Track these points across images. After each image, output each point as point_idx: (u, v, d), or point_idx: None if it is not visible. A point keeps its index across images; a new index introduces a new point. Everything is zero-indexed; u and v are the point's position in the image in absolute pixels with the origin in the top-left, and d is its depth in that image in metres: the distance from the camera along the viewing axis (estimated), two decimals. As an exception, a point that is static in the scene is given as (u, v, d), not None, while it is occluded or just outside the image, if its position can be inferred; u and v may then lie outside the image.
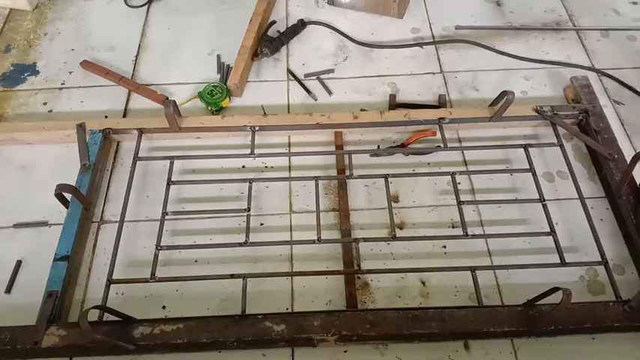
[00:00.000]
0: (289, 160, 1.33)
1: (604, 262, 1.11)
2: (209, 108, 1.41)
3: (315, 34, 1.63)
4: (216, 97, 1.41)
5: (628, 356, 1.04)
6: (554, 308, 0.94)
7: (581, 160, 1.33)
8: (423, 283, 1.14)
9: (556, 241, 1.13)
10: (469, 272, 1.10)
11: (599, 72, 1.51)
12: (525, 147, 1.28)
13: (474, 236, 1.16)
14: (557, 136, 1.29)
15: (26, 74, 1.53)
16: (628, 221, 1.16)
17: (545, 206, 1.18)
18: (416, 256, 1.17)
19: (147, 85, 1.49)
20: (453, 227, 1.21)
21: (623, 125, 1.39)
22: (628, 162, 1.17)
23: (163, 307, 1.11)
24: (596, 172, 1.29)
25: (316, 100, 1.46)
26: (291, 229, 1.22)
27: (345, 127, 1.34)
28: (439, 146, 1.31)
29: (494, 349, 1.05)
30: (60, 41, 1.62)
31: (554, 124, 1.31)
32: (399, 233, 1.18)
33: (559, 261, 1.11)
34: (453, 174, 1.23)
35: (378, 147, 1.34)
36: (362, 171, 1.27)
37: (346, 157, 1.28)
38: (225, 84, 1.45)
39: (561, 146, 1.28)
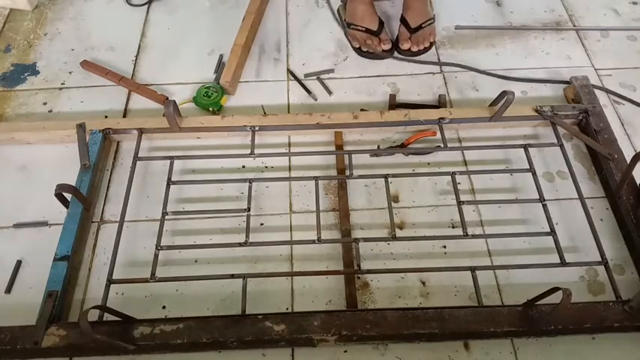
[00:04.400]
0: (289, 160, 1.33)
1: (604, 262, 1.10)
2: (209, 109, 1.41)
3: (315, 34, 1.63)
4: (213, 98, 1.41)
5: (628, 356, 1.04)
6: (555, 309, 0.94)
7: (581, 160, 1.33)
8: (423, 283, 1.14)
9: (556, 241, 1.13)
10: (469, 272, 1.10)
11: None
12: (525, 147, 1.28)
13: (474, 236, 1.16)
14: (557, 136, 1.29)
15: (26, 74, 1.54)
16: (628, 221, 1.16)
17: (545, 206, 1.18)
18: (416, 256, 1.17)
19: (147, 85, 1.49)
20: (453, 227, 1.21)
21: (623, 125, 1.39)
22: (628, 162, 1.17)
23: (163, 307, 1.11)
24: (596, 172, 1.29)
25: (316, 100, 1.46)
26: (291, 229, 1.22)
27: (345, 127, 1.34)
28: (439, 146, 1.31)
29: (494, 349, 1.05)
30: (60, 41, 1.63)
31: (554, 124, 1.31)
32: (399, 233, 1.18)
33: (559, 261, 1.11)
34: (453, 174, 1.23)
35: (378, 147, 1.34)
36: (362, 171, 1.27)
37: (346, 157, 1.28)
38: (217, 83, 1.45)
39: (561, 146, 1.27)
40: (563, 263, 1.10)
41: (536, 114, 1.31)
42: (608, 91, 1.45)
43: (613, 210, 1.23)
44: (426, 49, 1.55)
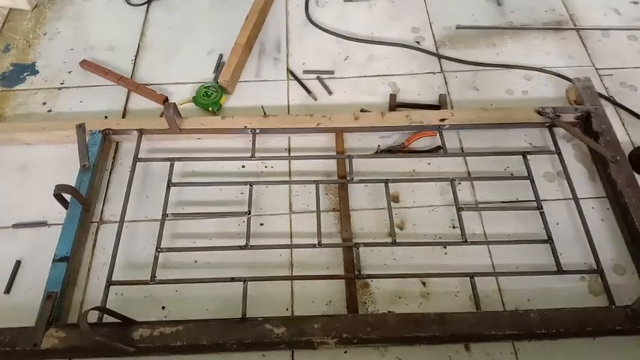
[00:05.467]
0: (289, 163, 1.32)
1: (599, 270, 1.10)
2: (209, 109, 1.40)
3: (315, 34, 1.62)
4: (213, 97, 1.41)
5: (629, 357, 1.04)
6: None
7: (583, 162, 1.32)
8: (424, 283, 1.13)
9: (553, 250, 1.13)
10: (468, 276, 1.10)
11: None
12: (524, 154, 1.27)
13: (473, 243, 1.16)
14: (555, 143, 1.29)
15: (25, 74, 1.53)
16: (630, 224, 1.16)
17: (542, 214, 1.18)
18: (416, 260, 1.16)
19: (146, 84, 1.49)
20: (453, 228, 1.21)
21: (624, 126, 1.39)
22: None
23: (163, 308, 1.10)
24: (598, 174, 1.29)
25: (316, 100, 1.46)
26: (291, 233, 1.21)
27: (346, 130, 1.33)
28: (439, 147, 1.30)
29: (494, 350, 1.05)
30: (59, 41, 1.62)
31: (551, 131, 1.30)
32: (399, 237, 1.18)
33: (556, 269, 1.11)
34: (452, 180, 1.23)
35: (379, 147, 1.33)
36: (362, 174, 1.26)
37: (347, 161, 1.27)
38: (216, 82, 1.45)
39: (559, 154, 1.27)
40: (559, 271, 1.10)
41: (538, 115, 1.30)
42: (603, 97, 1.43)
43: (614, 212, 1.22)
44: None
